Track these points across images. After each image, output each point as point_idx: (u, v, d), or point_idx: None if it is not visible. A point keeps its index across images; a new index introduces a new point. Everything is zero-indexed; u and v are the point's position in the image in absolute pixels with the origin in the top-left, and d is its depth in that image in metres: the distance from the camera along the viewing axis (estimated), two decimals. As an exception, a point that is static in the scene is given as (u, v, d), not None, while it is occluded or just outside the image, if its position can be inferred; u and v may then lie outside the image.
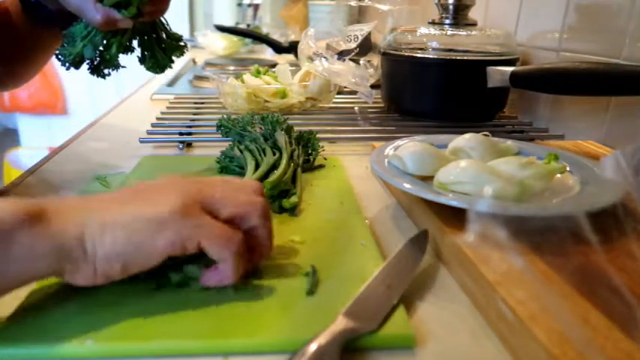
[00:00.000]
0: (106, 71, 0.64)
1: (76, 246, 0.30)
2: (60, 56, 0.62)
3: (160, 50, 0.66)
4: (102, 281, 0.32)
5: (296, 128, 0.65)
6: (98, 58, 0.63)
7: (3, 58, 0.65)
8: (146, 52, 0.66)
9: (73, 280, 0.32)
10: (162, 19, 0.66)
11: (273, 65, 1.07)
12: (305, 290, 0.35)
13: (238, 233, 0.34)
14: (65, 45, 0.62)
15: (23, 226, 0.29)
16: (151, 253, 0.32)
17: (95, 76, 0.64)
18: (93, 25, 0.59)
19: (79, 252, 0.31)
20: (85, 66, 0.65)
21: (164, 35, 0.67)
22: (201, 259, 0.35)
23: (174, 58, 0.68)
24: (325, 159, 0.64)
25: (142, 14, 0.59)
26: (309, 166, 0.61)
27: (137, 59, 0.67)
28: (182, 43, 0.68)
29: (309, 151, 0.63)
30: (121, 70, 0.68)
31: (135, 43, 0.65)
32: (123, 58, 0.65)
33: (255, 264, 0.38)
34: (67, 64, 0.62)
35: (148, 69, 0.67)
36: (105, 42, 0.62)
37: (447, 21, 0.83)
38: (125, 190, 0.36)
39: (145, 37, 0.65)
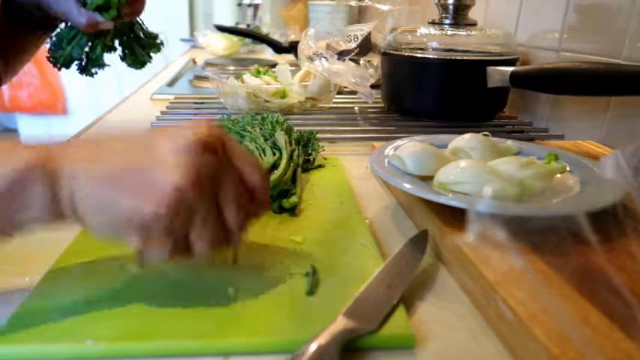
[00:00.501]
0: (93, 70, 0.73)
1: (68, 203, 0.31)
2: (51, 59, 0.70)
3: (139, 47, 0.76)
4: (94, 237, 0.32)
5: (296, 128, 0.65)
6: (85, 59, 0.72)
7: None
8: (126, 51, 0.75)
9: (75, 226, 0.33)
10: (138, 20, 0.76)
11: (273, 65, 1.07)
12: (305, 290, 0.35)
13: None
14: (53, 48, 0.70)
15: (31, 174, 0.30)
16: (122, 238, 0.32)
17: (84, 76, 0.73)
18: (78, 28, 0.67)
19: (70, 210, 0.31)
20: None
21: (141, 34, 0.77)
22: None
23: (152, 54, 0.78)
24: (325, 159, 0.64)
25: (121, 16, 0.67)
26: (309, 166, 0.61)
27: (119, 57, 0.75)
28: (158, 41, 0.79)
29: (309, 151, 0.63)
30: (120, 69, 0.71)
31: (117, 43, 0.74)
32: (115, 58, 0.74)
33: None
34: (59, 65, 0.70)
35: (129, 65, 0.76)
36: (90, 43, 0.70)
37: (447, 21, 0.83)
38: (127, 150, 0.33)
39: (125, 37, 0.75)
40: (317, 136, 0.65)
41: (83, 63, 0.71)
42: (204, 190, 0.32)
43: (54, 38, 0.70)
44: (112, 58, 0.74)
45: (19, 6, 0.67)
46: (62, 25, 0.70)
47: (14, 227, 0.32)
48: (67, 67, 0.71)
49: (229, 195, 0.33)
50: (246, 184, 0.35)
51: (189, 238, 0.32)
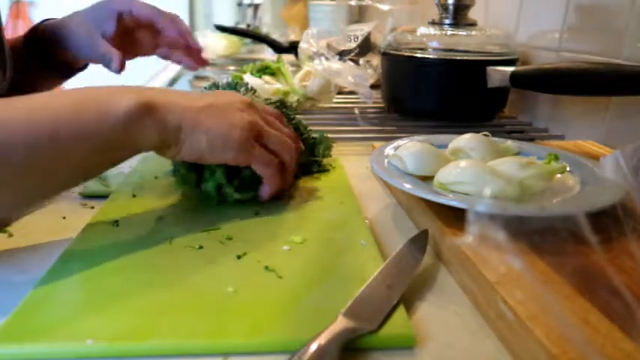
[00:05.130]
0: None
1: (174, 134, 0.43)
2: None
3: None
4: (181, 158, 0.45)
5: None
6: None
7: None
8: None
9: (162, 155, 0.45)
10: None
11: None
12: (305, 290, 0.35)
13: (275, 160, 0.48)
14: None
15: (143, 115, 0.40)
16: (218, 159, 0.46)
17: None
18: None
19: (174, 139, 0.43)
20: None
21: None
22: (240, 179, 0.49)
23: None
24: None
25: None
26: (314, 169, 0.60)
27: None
28: None
29: (316, 154, 0.61)
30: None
31: None
32: None
33: (286, 185, 0.51)
34: None
35: None
36: None
37: (447, 21, 0.83)
38: (206, 99, 0.46)
39: None
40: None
41: None
42: (264, 121, 0.49)
43: None
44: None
45: (42, 46, 0.68)
46: None
47: (132, 153, 0.42)
48: None
49: (276, 124, 0.51)
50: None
51: (269, 147, 0.48)
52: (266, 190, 0.49)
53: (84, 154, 0.39)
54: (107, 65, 0.66)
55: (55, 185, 0.40)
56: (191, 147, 0.44)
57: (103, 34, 0.66)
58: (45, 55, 0.69)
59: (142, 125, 0.41)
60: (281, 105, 0.61)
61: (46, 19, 0.70)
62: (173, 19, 0.73)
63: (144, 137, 0.41)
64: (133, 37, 0.72)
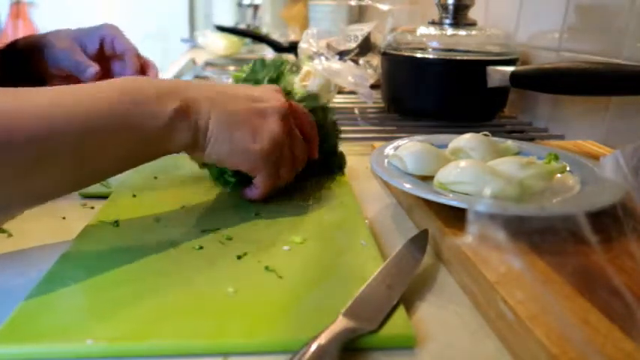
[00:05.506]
0: None
1: (203, 137, 0.44)
2: None
3: None
4: (205, 161, 0.47)
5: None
6: None
7: None
8: None
9: (191, 154, 0.46)
10: None
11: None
12: (305, 290, 0.35)
13: (278, 178, 0.49)
14: None
15: (182, 115, 0.42)
16: (235, 165, 0.47)
17: None
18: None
19: (203, 140, 0.44)
20: None
21: None
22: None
23: None
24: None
25: None
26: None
27: None
28: None
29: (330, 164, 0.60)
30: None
31: None
32: None
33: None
34: None
35: None
36: None
37: (447, 21, 0.83)
38: (242, 101, 0.47)
39: None
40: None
41: None
42: (287, 138, 0.48)
43: None
44: None
45: (18, 60, 0.68)
46: None
47: (166, 152, 0.43)
48: None
49: (297, 143, 0.50)
50: (304, 135, 0.52)
51: (279, 168, 0.48)
52: (251, 194, 0.50)
53: (120, 150, 0.40)
54: (81, 73, 0.66)
55: (86, 177, 0.41)
56: (213, 150, 0.45)
57: (84, 49, 0.68)
58: (19, 70, 0.69)
59: (180, 126, 0.42)
60: (314, 100, 0.60)
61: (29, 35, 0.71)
62: (146, 62, 0.73)
63: (180, 137, 0.43)
64: (106, 67, 0.72)
